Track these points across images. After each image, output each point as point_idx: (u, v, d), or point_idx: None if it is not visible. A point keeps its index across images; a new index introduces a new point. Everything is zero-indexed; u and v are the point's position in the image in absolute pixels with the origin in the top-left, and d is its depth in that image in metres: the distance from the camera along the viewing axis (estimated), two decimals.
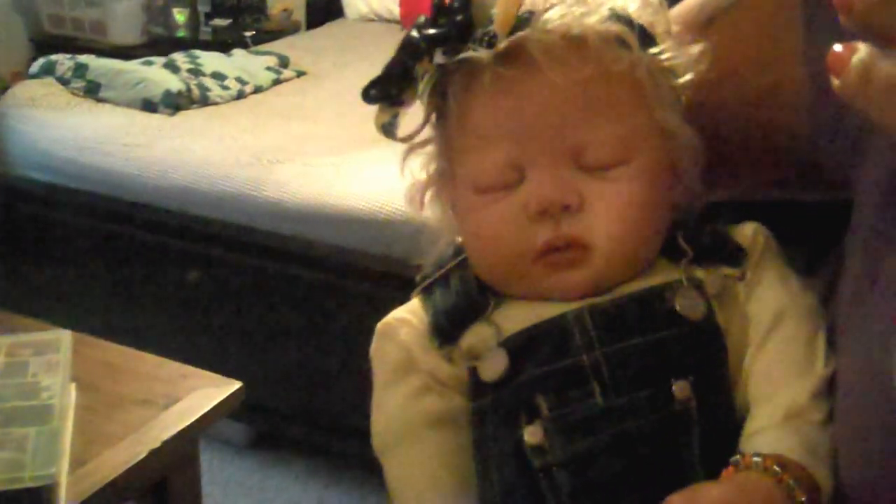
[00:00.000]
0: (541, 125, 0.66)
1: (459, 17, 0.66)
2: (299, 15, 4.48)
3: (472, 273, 0.71)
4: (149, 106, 2.86)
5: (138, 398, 1.26)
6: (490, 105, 0.67)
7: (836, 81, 0.34)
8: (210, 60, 3.22)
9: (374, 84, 0.67)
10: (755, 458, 0.62)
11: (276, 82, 3.23)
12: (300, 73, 3.35)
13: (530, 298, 0.69)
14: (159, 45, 3.99)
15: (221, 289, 2.54)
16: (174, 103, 2.85)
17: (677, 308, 0.67)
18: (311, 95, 3.15)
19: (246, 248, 2.47)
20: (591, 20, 0.65)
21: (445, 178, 0.73)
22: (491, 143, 0.68)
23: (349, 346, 2.42)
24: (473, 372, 0.69)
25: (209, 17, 4.30)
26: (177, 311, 2.58)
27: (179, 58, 3.21)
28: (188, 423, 1.21)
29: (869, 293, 0.62)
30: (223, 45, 3.78)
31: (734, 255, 0.70)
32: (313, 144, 2.64)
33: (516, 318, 0.69)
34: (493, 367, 0.67)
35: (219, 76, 3.10)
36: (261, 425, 2.62)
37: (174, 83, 2.90)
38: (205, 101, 2.95)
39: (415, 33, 0.67)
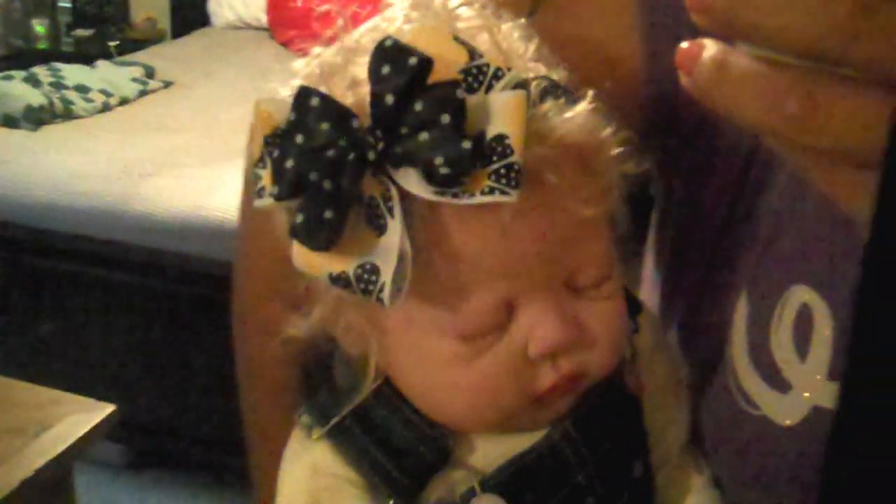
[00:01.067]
0: (540, 256, 0.55)
1: (447, 120, 0.48)
2: (164, 23, 4.41)
3: (413, 408, 0.59)
4: (10, 122, 2.77)
5: (8, 426, 1.23)
6: (483, 241, 0.53)
7: (685, 79, 0.33)
8: (73, 73, 3.13)
9: (285, 195, 0.50)
10: None
11: (143, 94, 3.17)
12: (167, 84, 3.29)
13: (495, 432, 0.59)
14: (19, 57, 3.87)
15: (92, 307, 2.48)
16: (36, 118, 2.78)
17: (623, 385, 0.63)
18: (179, 106, 3.10)
19: (117, 263, 2.42)
20: (590, 128, 0.55)
21: (374, 318, 0.58)
22: (480, 286, 0.54)
23: (226, 361, 2.39)
24: None
25: (70, 27, 4.20)
26: (44, 334, 2.50)
27: (41, 71, 3.12)
28: (61, 449, 1.18)
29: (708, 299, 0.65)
30: (86, 56, 3.68)
31: (632, 307, 0.65)
32: (183, 156, 2.61)
33: (492, 451, 0.59)
34: None
35: (82, 89, 3.02)
36: (138, 445, 2.57)
37: (35, 97, 2.82)
38: (69, 115, 2.88)
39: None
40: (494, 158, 0.49)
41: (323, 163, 0.49)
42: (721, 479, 0.66)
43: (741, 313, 0.63)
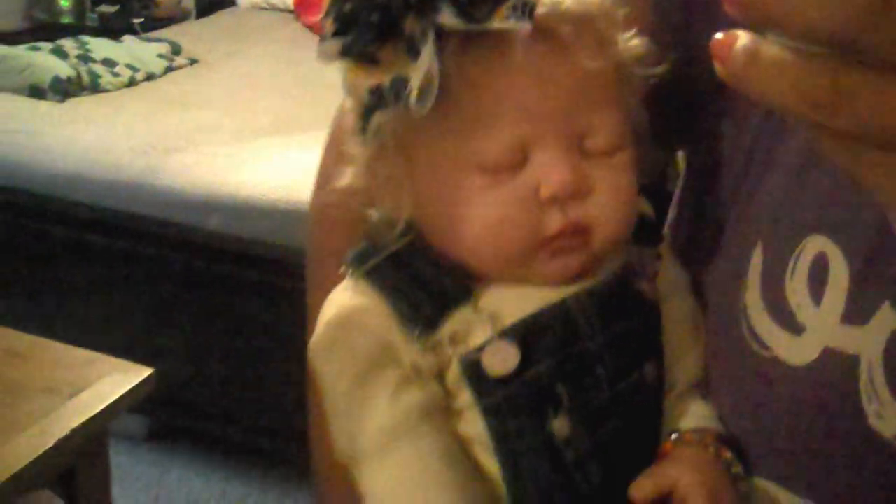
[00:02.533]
0: (555, 106, 0.62)
1: None
2: (189, 2, 4.41)
3: (440, 255, 0.66)
4: (36, 92, 2.78)
5: (42, 386, 1.22)
6: (506, 80, 0.62)
7: (719, 67, 0.36)
8: (100, 47, 3.14)
9: (342, 33, 0.58)
10: (694, 435, 0.67)
11: (169, 70, 3.18)
12: (193, 61, 3.30)
13: (515, 282, 0.65)
14: (43, 31, 3.87)
15: (115, 279, 2.48)
16: (63, 89, 2.78)
17: (641, 290, 0.68)
18: (204, 83, 3.10)
19: (140, 236, 2.42)
20: (606, 3, 0.64)
21: (408, 155, 0.65)
22: (500, 120, 0.62)
23: (247, 337, 2.40)
24: (473, 366, 0.63)
25: (95, 3, 4.19)
26: (72, 301, 2.51)
27: (68, 44, 3.12)
28: (97, 411, 1.18)
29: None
30: (111, 31, 3.69)
31: (654, 235, 0.72)
32: (209, 133, 2.61)
33: (510, 304, 0.65)
34: (503, 360, 0.63)
35: (109, 63, 3.03)
36: (159, 417, 2.57)
37: (63, 69, 2.82)
38: (95, 88, 2.89)
39: None
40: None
41: (375, 4, 0.57)
42: (722, 415, 0.69)
43: (756, 263, 0.66)
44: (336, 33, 0.58)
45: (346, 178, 0.68)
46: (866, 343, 0.59)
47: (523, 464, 0.64)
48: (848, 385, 0.60)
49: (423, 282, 0.65)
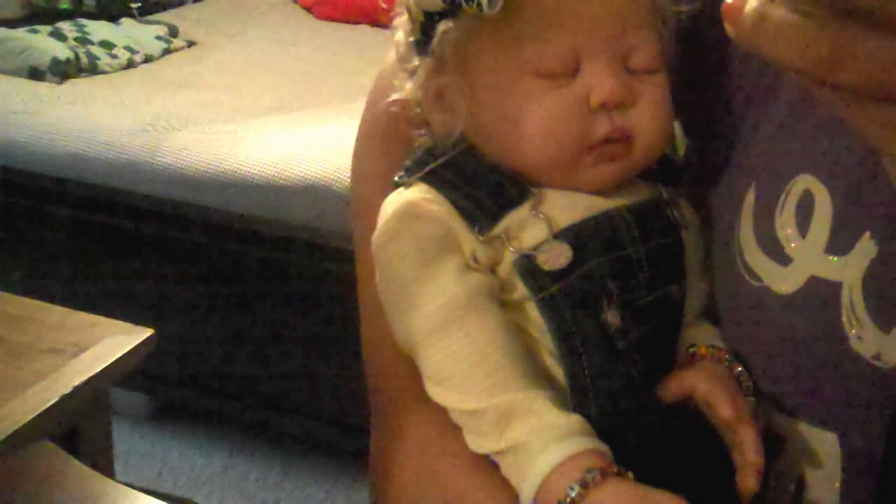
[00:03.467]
0: (606, 20, 0.67)
1: None
2: None
3: (495, 160, 0.70)
4: (35, 74, 2.78)
5: (46, 347, 1.23)
6: None
7: (729, 28, 0.40)
8: (98, 29, 3.14)
9: None
10: (709, 349, 0.72)
11: (167, 52, 3.18)
12: (191, 43, 3.30)
13: (563, 187, 0.70)
14: (42, 17, 3.86)
15: (117, 256, 2.49)
16: (62, 71, 2.79)
17: (669, 216, 0.72)
18: (203, 65, 3.10)
19: (141, 214, 2.43)
20: None
21: (466, 65, 0.70)
22: (558, 29, 0.67)
23: (249, 313, 2.41)
24: (528, 260, 0.68)
25: None
26: (73, 280, 2.52)
27: (66, 26, 3.12)
28: (100, 368, 1.19)
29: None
30: (108, 16, 3.68)
31: (677, 174, 0.76)
32: (208, 112, 2.61)
33: (561, 209, 0.69)
34: (557, 257, 0.67)
35: (107, 45, 3.03)
36: (160, 396, 2.58)
37: (61, 51, 2.83)
38: (94, 70, 2.89)
39: None
40: None
41: None
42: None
43: (750, 199, 0.71)
44: None
45: (405, 91, 0.73)
46: (847, 271, 0.64)
47: (581, 349, 0.67)
48: (831, 310, 0.64)
49: (482, 182, 0.69)
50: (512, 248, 0.68)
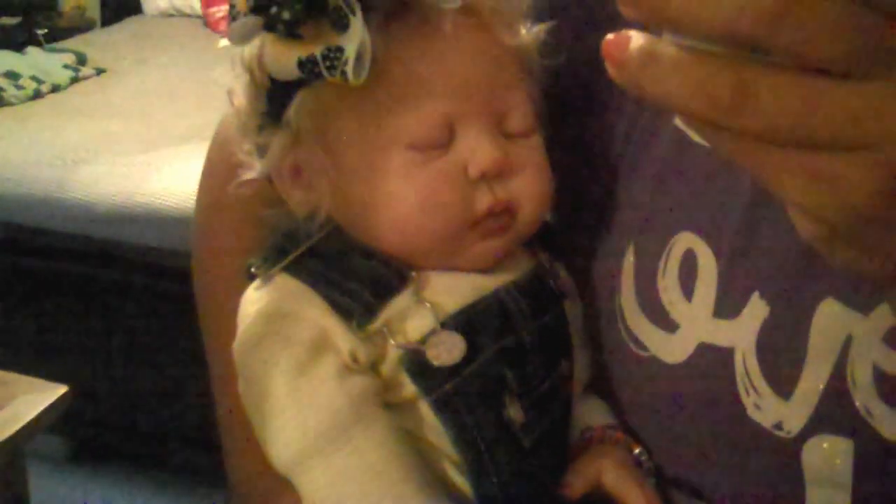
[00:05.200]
0: (480, 83, 0.63)
1: None
2: (94, 11, 4.30)
3: (364, 244, 0.65)
4: None
5: None
6: (434, 56, 0.62)
7: (612, 69, 0.35)
8: (2, 60, 3.05)
9: (262, 9, 0.57)
10: (606, 431, 0.69)
11: (75, 80, 3.10)
12: (100, 71, 3.23)
13: (443, 269, 0.65)
14: None
15: (29, 295, 2.42)
16: None
17: (553, 288, 0.69)
18: (113, 93, 3.03)
19: (53, 252, 2.36)
20: None
21: (327, 138, 0.64)
22: (426, 96, 0.62)
23: (166, 350, 2.35)
24: (416, 355, 0.62)
25: None
26: None
27: None
28: (13, 431, 1.14)
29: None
30: (13, 44, 3.59)
31: (553, 238, 0.73)
32: (119, 142, 2.55)
33: (447, 292, 0.64)
34: (449, 350, 0.61)
35: (13, 75, 2.94)
36: (79, 437, 2.51)
37: None
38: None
39: None
40: None
41: None
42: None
43: (629, 262, 0.67)
44: (255, 9, 0.57)
45: (256, 170, 0.66)
46: (739, 335, 0.60)
47: (485, 454, 0.63)
48: (725, 379, 0.61)
49: (354, 270, 0.63)
50: (395, 343, 0.62)
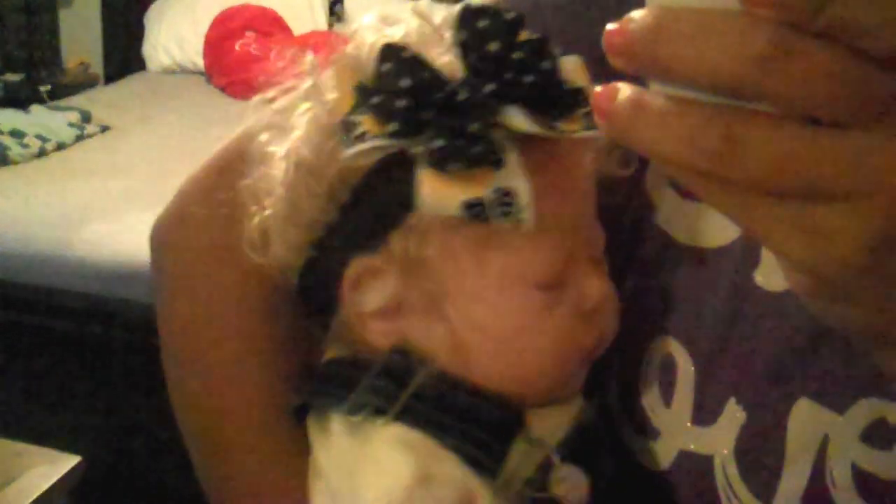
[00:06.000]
0: (588, 219, 0.61)
1: (547, 66, 0.54)
2: (97, 67, 4.34)
3: (470, 382, 0.59)
4: None
5: None
6: (561, 191, 0.58)
7: (600, 122, 0.35)
8: (7, 118, 3.07)
9: (455, 152, 0.51)
10: None
11: (80, 138, 3.12)
12: (104, 129, 3.25)
13: (546, 405, 0.61)
14: None
15: (32, 355, 2.41)
16: None
17: None
18: (117, 151, 3.05)
19: (57, 310, 2.36)
20: None
21: (441, 275, 0.58)
22: (557, 234, 0.58)
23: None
24: (548, 502, 0.58)
25: (0, 72, 4.11)
26: None
27: None
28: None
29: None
30: (17, 101, 3.62)
31: None
32: (124, 201, 2.56)
33: (550, 425, 0.60)
34: (577, 487, 0.58)
35: (17, 134, 2.96)
36: (82, 498, 2.49)
37: None
38: (4, 161, 2.82)
39: (462, 86, 0.52)
40: (582, 103, 0.54)
41: (435, 102, 0.52)
42: None
43: (614, 367, 0.66)
44: (396, 135, 0.52)
45: (366, 299, 0.60)
46: (717, 442, 0.60)
47: None
48: (706, 487, 0.60)
49: (467, 414, 0.58)
50: (527, 488, 0.57)
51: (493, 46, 0.53)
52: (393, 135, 0.52)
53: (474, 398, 0.58)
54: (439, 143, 0.51)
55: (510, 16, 0.54)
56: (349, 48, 0.59)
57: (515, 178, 0.52)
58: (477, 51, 0.53)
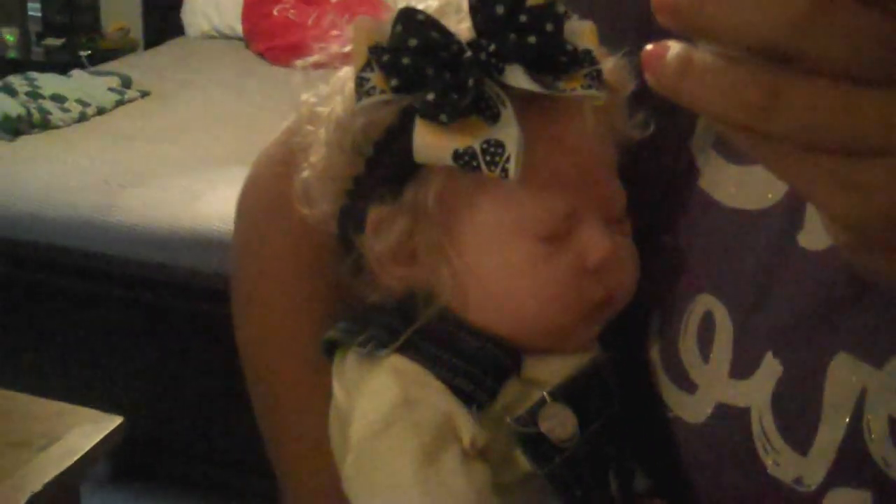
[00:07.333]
0: (597, 177, 0.63)
1: (550, 28, 0.57)
2: (136, 33, 4.37)
3: (476, 326, 0.63)
4: None
5: (13, 440, 1.19)
6: (566, 148, 0.61)
7: (651, 78, 0.36)
8: (49, 82, 3.10)
9: (444, 104, 0.55)
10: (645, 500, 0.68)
11: (120, 103, 3.14)
12: (144, 94, 3.27)
13: (547, 351, 0.64)
14: None
15: (75, 319, 2.45)
16: (14, 128, 2.74)
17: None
18: (157, 116, 3.07)
19: (98, 274, 2.39)
20: (625, 73, 0.63)
21: (451, 223, 0.63)
22: (560, 189, 0.61)
23: (211, 372, 2.37)
24: (532, 434, 0.61)
25: (41, 36, 4.15)
26: (30, 345, 2.46)
27: (16, 80, 3.07)
28: (69, 463, 1.15)
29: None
30: (58, 65, 3.65)
31: None
32: (163, 166, 2.58)
33: (548, 370, 0.63)
34: (562, 424, 0.61)
35: (59, 98, 2.99)
36: (120, 458, 2.53)
37: (13, 107, 2.78)
38: (46, 125, 2.85)
39: (462, 41, 0.57)
40: (585, 65, 0.58)
41: (439, 60, 0.56)
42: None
43: (654, 326, 0.68)
44: (400, 89, 0.56)
45: (380, 243, 0.64)
46: (754, 394, 0.61)
47: None
48: (743, 438, 0.61)
49: (467, 353, 0.62)
50: (512, 420, 0.61)
51: (500, 9, 0.56)
52: (395, 89, 0.57)
53: (473, 338, 0.63)
54: (430, 95, 0.55)
55: None
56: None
57: (506, 130, 0.55)
58: (484, 13, 0.57)
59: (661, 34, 0.36)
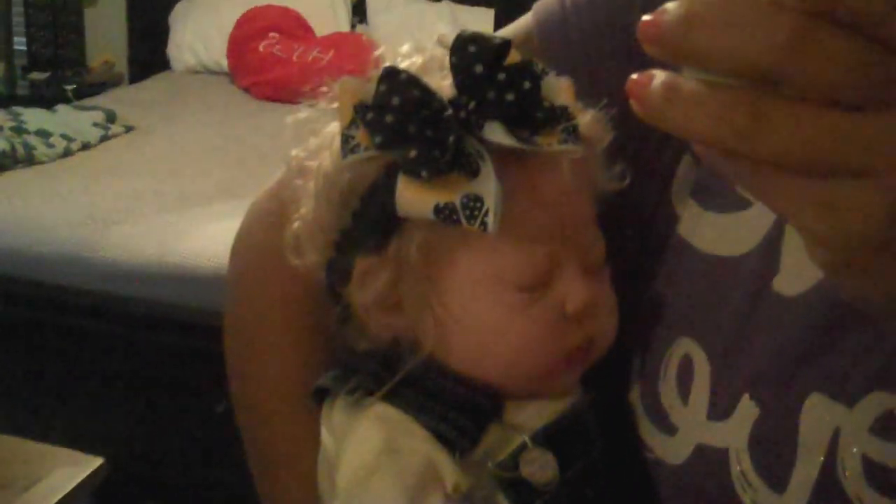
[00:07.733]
0: (578, 225, 0.65)
1: (528, 85, 0.60)
2: (122, 67, 4.38)
3: (459, 373, 0.65)
4: None
5: None
6: (545, 199, 0.63)
7: (636, 106, 0.37)
8: (33, 117, 3.10)
9: (426, 160, 0.57)
10: None
11: (105, 138, 3.15)
12: (129, 129, 3.27)
13: (528, 396, 0.66)
14: None
15: (59, 355, 2.44)
16: None
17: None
18: (141, 151, 3.08)
19: (84, 311, 2.38)
20: (601, 126, 0.66)
21: (432, 274, 0.64)
22: (539, 239, 0.63)
23: (198, 409, 2.37)
24: (514, 479, 0.63)
25: (26, 70, 4.15)
26: (11, 383, 2.45)
27: (1, 116, 3.08)
28: None
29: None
30: (43, 99, 3.65)
31: None
32: (148, 202, 2.58)
33: (529, 415, 0.65)
34: (542, 468, 0.63)
35: (43, 133, 2.99)
36: (105, 498, 2.51)
37: None
38: (30, 161, 2.85)
39: (444, 98, 0.59)
40: (562, 120, 0.60)
41: (421, 118, 0.58)
42: None
43: (635, 366, 0.70)
44: (383, 147, 0.58)
45: (366, 294, 0.66)
46: (732, 436, 0.62)
47: None
48: (722, 478, 0.62)
49: (449, 399, 0.65)
50: (494, 467, 0.63)
51: (479, 68, 0.58)
52: (379, 146, 0.59)
53: (456, 385, 0.65)
54: (413, 152, 0.57)
55: (497, 41, 0.59)
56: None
57: (486, 185, 0.57)
58: (464, 72, 0.59)
59: (643, 65, 0.38)
